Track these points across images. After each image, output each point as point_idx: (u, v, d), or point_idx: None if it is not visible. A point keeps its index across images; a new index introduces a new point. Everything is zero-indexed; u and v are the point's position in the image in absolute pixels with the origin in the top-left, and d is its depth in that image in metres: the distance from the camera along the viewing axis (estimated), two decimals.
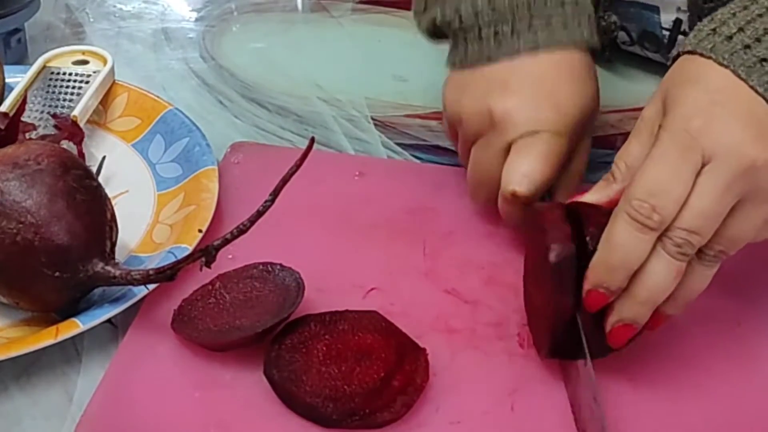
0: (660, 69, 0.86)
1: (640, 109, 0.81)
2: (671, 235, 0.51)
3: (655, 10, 0.80)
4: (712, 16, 0.56)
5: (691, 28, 0.77)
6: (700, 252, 0.52)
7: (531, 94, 0.64)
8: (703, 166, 0.51)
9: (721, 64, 0.54)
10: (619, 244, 0.52)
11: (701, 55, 0.55)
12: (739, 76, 0.53)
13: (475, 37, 0.66)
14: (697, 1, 0.76)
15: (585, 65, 0.66)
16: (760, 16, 0.55)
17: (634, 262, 0.52)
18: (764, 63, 0.53)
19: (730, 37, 0.54)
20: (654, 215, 0.51)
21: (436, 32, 0.70)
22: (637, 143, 0.56)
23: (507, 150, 0.63)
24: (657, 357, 0.58)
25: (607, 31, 0.84)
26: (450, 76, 0.69)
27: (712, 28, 0.55)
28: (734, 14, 0.55)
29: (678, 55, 0.57)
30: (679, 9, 0.79)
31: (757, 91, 0.53)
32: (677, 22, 0.79)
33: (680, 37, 0.80)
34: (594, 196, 0.57)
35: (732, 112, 0.52)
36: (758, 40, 0.54)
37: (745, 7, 0.55)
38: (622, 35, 0.85)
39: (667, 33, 0.81)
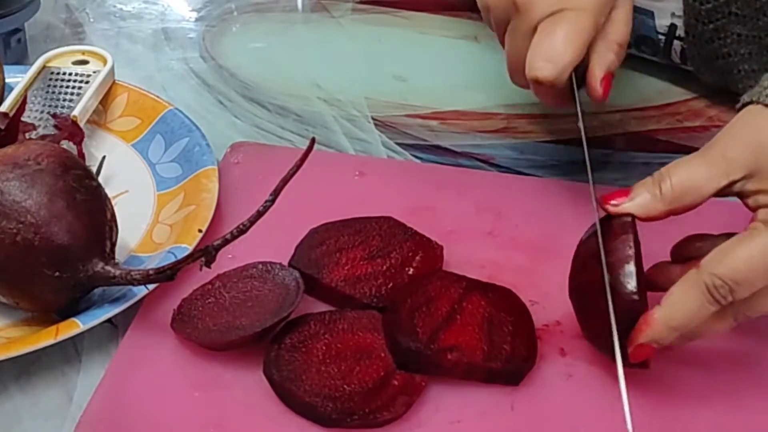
0: (659, 70, 0.86)
1: (640, 109, 0.83)
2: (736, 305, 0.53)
3: (650, 15, 0.80)
4: None
5: (687, 32, 0.77)
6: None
7: None
8: None
9: None
10: (687, 311, 0.52)
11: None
12: None
13: None
14: (694, 4, 0.75)
15: None
16: None
17: (695, 327, 0.53)
18: None
19: None
20: (729, 297, 0.52)
21: None
22: (703, 170, 0.55)
23: (533, 32, 0.63)
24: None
25: None
26: None
27: None
28: None
29: (747, 103, 0.56)
30: (673, 14, 0.79)
31: None
32: (672, 27, 0.79)
33: (676, 42, 0.80)
34: (635, 206, 0.56)
35: None
36: None
37: None
38: None
39: (662, 38, 0.81)
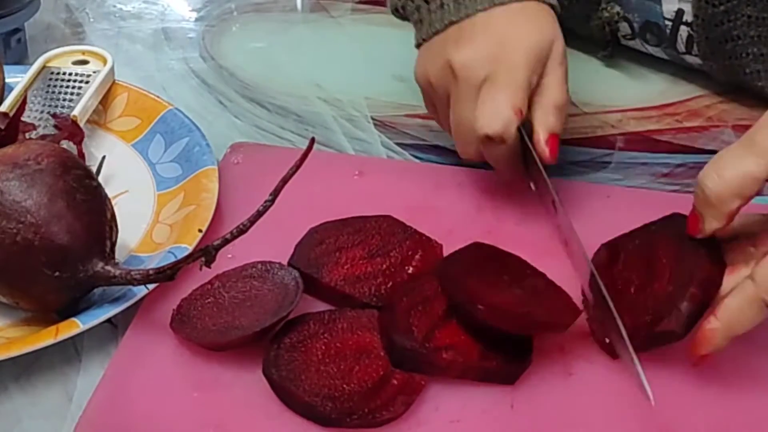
0: (661, 66, 0.86)
1: (641, 109, 0.83)
2: None
3: (657, 0, 0.80)
4: None
5: (697, 15, 0.77)
6: None
7: (482, 38, 0.65)
8: None
9: None
10: (746, 323, 0.54)
11: None
12: None
13: (437, 7, 0.67)
14: None
15: (539, 10, 0.67)
16: None
17: (742, 331, 0.54)
18: None
19: None
20: None
21: (401, 13, 0.72)
22: (754, 164, 0.54)
23: (476, 99, 0.64)
24: None
25: (610, 21, 0.84)
26: (418, 54, 0.70)
27: None
28: None
29: None
30: None
31: None
32: (679, 12, 0.79)
33: (682, 28, 0.80)
34: (709, 224, 0.56)
35: None
36: None
37: None
38: (624, 27, 0.85)
39: (669, 23, 0.81)
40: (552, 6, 0.68)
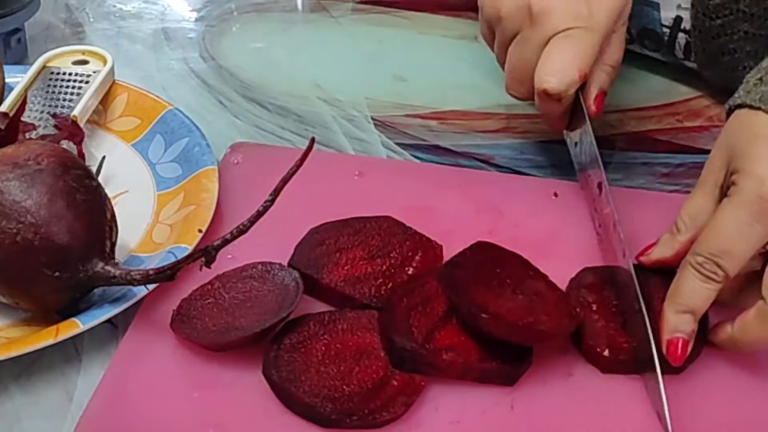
0: (660, 68, 0.86)
1: (640, 109, 0.83)
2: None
3: (655, 6, 0.80)
4: (759, 67, 0.59)
5: (694, 26, 0.77)
6: None
7: None
8: None
9: None
10: (685, 292, 0.56)
11: (750, 107, 0.57)
12: None
13: None
14: None
15: None
16: None
17: (700, 307, 0.56)
18: None
19: None
20: (719, 271, 0.55)
21: None
22: (701, 195, 0.60)
23: (544, 45, 0.65)
24: None
25: None
26: None
27: (758, 78, 0.58)
28: None
29: (732, 109, 0.59)
30: (679, 6, 0.78)
31: None
32: (677, 19, 0.79)
33: (680, 35, 0.80)
34: (660, 250, 0.61)
35: None
36: None
37: None
38: None
39: (667, 30, 0.81)
40: None
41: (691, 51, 0.80)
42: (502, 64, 0.70)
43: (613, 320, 0.59)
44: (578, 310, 0.59)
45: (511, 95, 0.70)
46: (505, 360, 0.56)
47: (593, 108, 0.68)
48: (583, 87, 0.68)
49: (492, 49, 0.72)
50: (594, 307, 0.60)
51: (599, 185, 0.65)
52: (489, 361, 0.56)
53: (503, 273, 0.60)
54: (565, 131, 0.72)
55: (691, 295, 0.56)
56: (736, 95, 0.60)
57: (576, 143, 0.70)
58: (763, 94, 0.57)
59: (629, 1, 0.68)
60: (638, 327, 0.57)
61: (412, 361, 0.56)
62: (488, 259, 0.61)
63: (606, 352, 0.57)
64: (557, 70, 0.64)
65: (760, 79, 0.58)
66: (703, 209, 0.59)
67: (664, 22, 0.80)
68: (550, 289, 0.59)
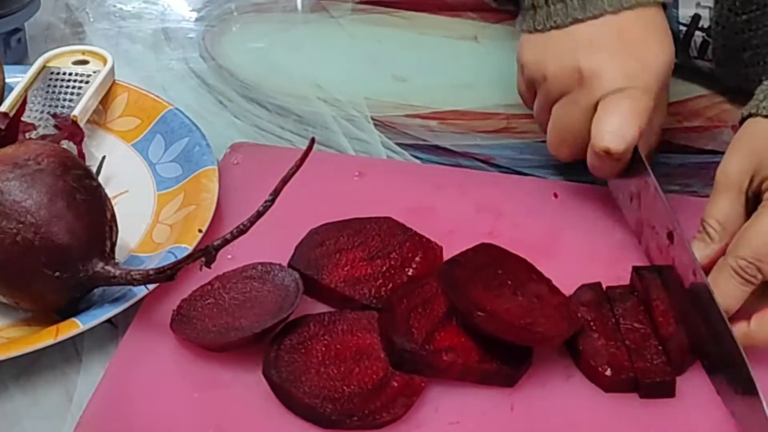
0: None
1: None
2: None
3: (674, 3, 0.80)
4: None
5: (717, 22, 0.77)
6: None
7: (618, 50, 0.65)
8: None
9: None
10: (722, 296, 0.56)
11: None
12: None
13: None
14: None
15: (663, 19, 0.67)
16: None
17: (734, 308, 0.57)
18: None
19: None
20: (758, 275, 0.56)
21: None
22: (726, 200, 0.60)
23: (594, 107, 0.65)
24: None
25: None
26: (526, 38, 0.70)
27: None
28: None
29: (750, 115, 0.60)
30: (698, 4, 0.78)
31: None
32: (696, 17, 0.79)
33: (697, 33, 0.80)
34: (696, 255, 0.59)
35: None
36: None
37: None
38: None
39: (684, 28, 0.80)
40: (664, 6, 0.68)
41: (707, 49, 0.80)
42: (543, 124, 0.69)
43: (613, 338, 0.58)
44: (579, 315, 0.58)
45: (553, 156, 0.70)
46: (505, 361, 0.56)
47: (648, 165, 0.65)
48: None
49: (528, 106, 0.72)
50: (593, 325, 0.59)
51: (669, 235, 0.62)
52: (489, 363, 0.56)
53: (505, 274, 0.60)
54: (610, 183, 0.70)
55: (727, 296, 0.56)
56: (754, 103, 0.60)
57: (632, 198, 0.67)
58: None
59: (673, 61, 0.67)
60: (723, 346, 0.56)
61: (412, 362, 0.56)
62: (490, 260, 0.61)
63: (608, 372, 0.56)
64: (617, 128, 0.63)
65: None
66: (732, 215, 0.59)
67: (681, 20, 0.80)
68: (552, 293, 0.59)
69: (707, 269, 0.59)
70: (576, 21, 0.66)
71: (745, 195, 0.60)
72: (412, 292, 0.59)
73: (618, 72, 0.64)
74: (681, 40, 0.81)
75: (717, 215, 0.60)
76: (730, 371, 0.55)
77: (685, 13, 0.80)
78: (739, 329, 0.57)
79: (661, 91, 0.67)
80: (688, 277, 0.58)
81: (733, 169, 0.60)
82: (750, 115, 0.61)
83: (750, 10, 0.75)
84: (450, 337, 0.56)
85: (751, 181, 0.59)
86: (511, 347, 0.56)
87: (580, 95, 0.65)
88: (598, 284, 0.62)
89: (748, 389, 0.53)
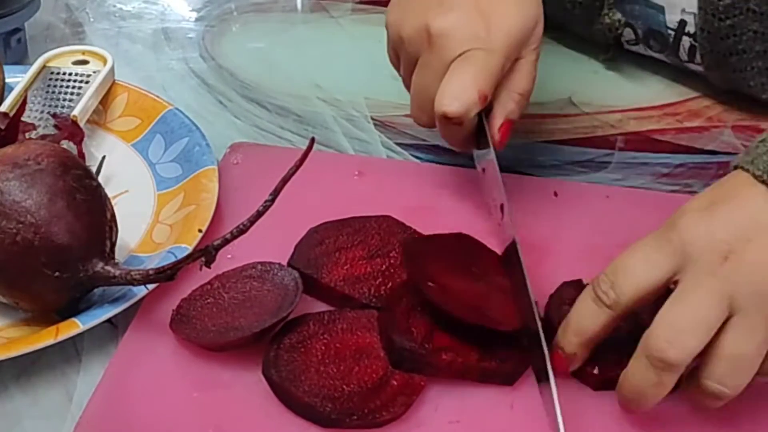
0: (660, 68, 0.86)
1: (641, 109, 0.83)
2: (649, 340, 0.51)
3: (660, 9, 0.80)
4: (764, 136, 0.56)
5: (702, 28, 0.77)
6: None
7: (467, 11, 0.63)
8: None
9: (755, 177, 0.53)
10: (577, 311, 0.55)
11: (743, 168, 0.54)
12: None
13: None
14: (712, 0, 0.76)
15: None
16: None
17: (587, 332, 0.54)
18: None
19: None
20: (610, 292, 0.53)
21: None
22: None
23: (445, 70, 0.63)
24: None
25: (611, 28, 0.84)
26: (392, 2, 0.69)
27: (760, 140, 0.55)
28: None
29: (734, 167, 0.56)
30: (683, 10, 0.78)
31: None
32: (682, 23, 0.79)
33: (684, 38, 0.80)
34: None
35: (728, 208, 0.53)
36: None
37: None
38: (627, 32, 0.84)
39: (672, 33, 0.81)
40: None
41: (695, 54, 0.80)
42: (408, 87, 0.67)
43: None
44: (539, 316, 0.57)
45: (415, 122, 0.68)
46: (504, 360, 0.56)
47: (497, 136, 0.65)
48: (488, 114, 0.65)
49: (397, 71, 0.70)
50: None
51: (501, 207, 0.64)
52: (488, 361, 0.56)
53: (473, 264, 0.59)
54: (474, 152, 0.69)
55: (579, 313, 0.55)
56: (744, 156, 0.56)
57: (483, 170, 0.68)
58: (757, 156, 0.54)
59: (537, 25, 0.65)
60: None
61: (411, 360, 0.56)
62: (464, 248, 0.60)
63: (596, 370, 0.56)
64: (456, 92, 0.61)
65: (763, 141, 0.55)
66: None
67: (669, 25, 0.80)
68: (518, 290, 0.59)
69: None
70: None
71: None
72: (411, 291, 0.59)
73: (465, 33, 0.62)
74: (671, 45, 0.82)
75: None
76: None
77: (671, 18, 0.80)
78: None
79: (517, 57, 0.65)
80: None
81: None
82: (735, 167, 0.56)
83: (733, 15, 0.75)
84: (449, 335, 0.56)
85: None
86: (510, 345, 0.56)
87: (431, 58, 0.63)
88: (579, 281, 0.62)
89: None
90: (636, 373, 0.52)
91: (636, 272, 0.53)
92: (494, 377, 0.56)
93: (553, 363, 0.55)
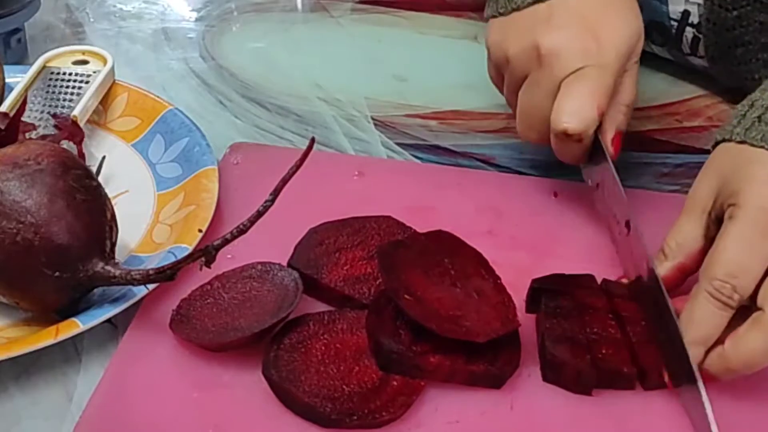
0: (660, 67, 0.86)
1: (640, 109, 0.83)
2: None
3: (664, 0, 0.80)
4: (752, 101, 0.59)
5: (708, 18, 0.77)
6: None
7: (576, 28, 0.64)
8: None
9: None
10: (700, 321, 0.55)
11: (752, 145, 0.57)
12: None
13: None
14: None
15: None
16: None
17: (713, 337, 0.55)
18: None
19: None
20: (735, 295, 0.54)
21: None
22: (687, 222, 0.59)
23: (556, 88, 0.64)
24: None
25: None
26: (491, 22, 0.69)
27: (757, 116, 0.58)
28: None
29: (719, 141, 0.59)
30: (687, 1, 0.78)
31: None
32: (685, 13, 0.79)
33: (688, 29, 0.80)
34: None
35: None
36: None
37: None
38: None
39: (675, 24, 0.80)
40: None
41: (698, 46, 0.80)
42: (513, 107, 0.68)
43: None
44: (515, 316, 0.57)
45: (523, 139, 0.69)
46: (492, 363, 0.56)
47: (611, 149, 0.65)
48: (599, 128, 0.66)
49: (500, 90, 0.71)
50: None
51: (627, 224, 0.63)
52: (476, 364, 0.56)
53: (450, 264, 0.59)
54: (583, 169, 0.69)
55: (705, 324, 0.55)
56: (728, 128, 0.59)
57: (598, 185, 0.67)
58: (765, 133, 0.57)
59: (640, 38, 0.67)
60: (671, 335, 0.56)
61: (399, 363, 0.55)
62: (440, 248, 0.60)
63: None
64: (575, 109, 0.63)
65: (759, 117, 0.58)
66: (690, 235, 0.59)
67: (672, 16, 0.80)
68: (497, 290, 0.59)
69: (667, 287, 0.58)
70: (536, 1, 0.66)
71: (708, 217, 0.58)
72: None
73: (576, 50, 0.63)
74: (673, 37, 0.81)
75: (676, 236, 0.59)
76: (677, 363, 0.55)
77: (674, 9, 0.80)
78: (714, 352, 0.55)
79: (624, 69, 0.66)
80: (642, 268, 0.59)
81: (697, 192, 0.59)
82: (723, 140, 0.60)
83: (740, 6, 0.75)
84: (437, 338, 0.56)
85: (714, 203, 0.58)
86: (498, 348, 0.56)
87: (541, 76, 0.64)
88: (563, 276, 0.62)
89: (691, 379, 0.54)
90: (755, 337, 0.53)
91: (754, 268, 0.54)
92: (482, 380, 0.56)
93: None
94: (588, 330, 0.57)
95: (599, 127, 0.65)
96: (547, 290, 0.60)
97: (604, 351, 0.56)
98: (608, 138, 0.65)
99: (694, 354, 0.54)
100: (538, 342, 0.58)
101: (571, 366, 0.56)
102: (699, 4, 0.77)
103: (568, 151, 0.65)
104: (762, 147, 0.57)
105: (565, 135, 0.63)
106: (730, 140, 0.59)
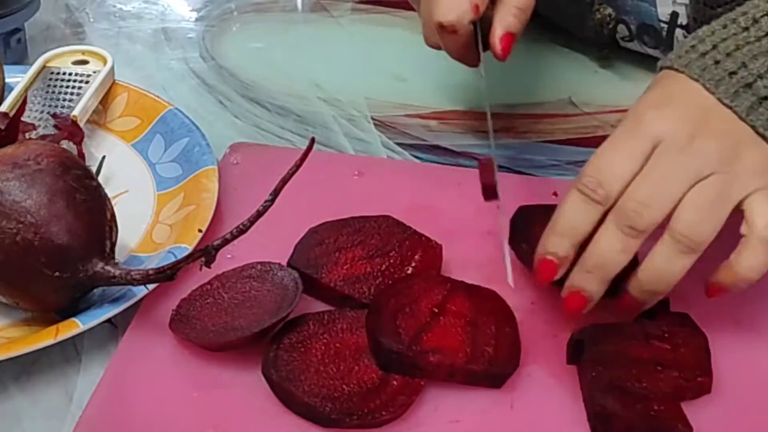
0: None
1: None
2: (621, 208, 0.55)
3: (651, 2, 0.80)
4: (695, 33, 0.61)
5: (695, 18, 0.77)
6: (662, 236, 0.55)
7: None
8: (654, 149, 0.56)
9: (692, 78, 0.58)
10: (566, 212, 0.57)
11: (676, 70, 0.59)
12: (707, 89, 0.58)
13: None
14: None
15: None
16: (735, 35, 0.59)
17: (579, 231, 0.56)
18: (732, 76, 0.57)
19: (704, 54, 0.59)
20: (599, 189, 0.55)
21: None
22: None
23: None
24: None
25: (602, 23, 0.84)
26: None
27: (691, 45, 0.60)
28: (713, 33, 0.60)
29: (661, 68, 0.61)
30: (674, 2, 0.79)
31: (723, 103, 0.57)
32: (674, 15, 0.79)
33: (678, 30, 0.80)
34: None
35: (681, 103, 0.58)
36: (729, 55, 0.58)
37: (724, 26, 0.60)
38: (621, 29, 0.84)
39: (665, 26, 0.81)
40: None
41: None
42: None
43: None
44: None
45: (428, 45, 0.72)
46: (492, 362, 0.56)
47: (498, 47, 0.67)
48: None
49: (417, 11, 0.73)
50: None
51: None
52: (476, 364, 0.56)
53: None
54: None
55: (570, 214, 0.57)
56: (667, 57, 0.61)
57: (481, 75, 0.71)
58: (690, 61, 0.59)
59: None
60: None
61: (398, 363, 0.55)
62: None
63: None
64: (449, 2, 0.66)
65: (693, 46, 0.60)
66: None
67: (661, 18, 0.80)
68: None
69: None
70: None
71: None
72: (399, 292, 0.59)
73: None
74: (665, 39, 0.81)
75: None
76: None
77: (663, 11, 0.80)
78: (723, 266, 0.56)
79: None
80: None
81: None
82: (664, 68, 0.62)
83: (724, 2, 0.75)
84: (437, 337, 0.56)
85: None
86: (498, 348, 0.56)
87: None
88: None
89: None
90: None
91: (620, 165, 0.56)
92: (482, 380, 0.56)
93: (541, 273, 0.57)
94: (637, 384, 0.55)
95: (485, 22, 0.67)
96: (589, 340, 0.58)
97: (656, 407, 0.54)
98: (497, 36, 0.67)
99: (563, 248, 0.56)
100: (582, 393, 0.57)
101: (620, 418, 0.54)
102: (686, 5, 0.77)
103: (450, 44, 0.68)
104: (683, 72, 0.59)
105: (440, 27, 0.66)
106: (670, 68, 0.61)
